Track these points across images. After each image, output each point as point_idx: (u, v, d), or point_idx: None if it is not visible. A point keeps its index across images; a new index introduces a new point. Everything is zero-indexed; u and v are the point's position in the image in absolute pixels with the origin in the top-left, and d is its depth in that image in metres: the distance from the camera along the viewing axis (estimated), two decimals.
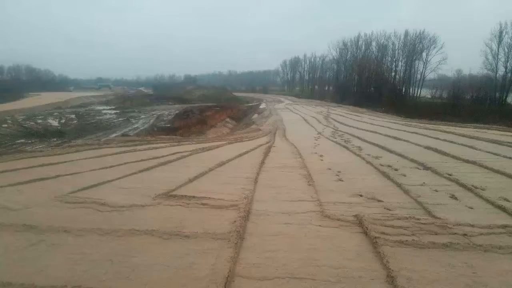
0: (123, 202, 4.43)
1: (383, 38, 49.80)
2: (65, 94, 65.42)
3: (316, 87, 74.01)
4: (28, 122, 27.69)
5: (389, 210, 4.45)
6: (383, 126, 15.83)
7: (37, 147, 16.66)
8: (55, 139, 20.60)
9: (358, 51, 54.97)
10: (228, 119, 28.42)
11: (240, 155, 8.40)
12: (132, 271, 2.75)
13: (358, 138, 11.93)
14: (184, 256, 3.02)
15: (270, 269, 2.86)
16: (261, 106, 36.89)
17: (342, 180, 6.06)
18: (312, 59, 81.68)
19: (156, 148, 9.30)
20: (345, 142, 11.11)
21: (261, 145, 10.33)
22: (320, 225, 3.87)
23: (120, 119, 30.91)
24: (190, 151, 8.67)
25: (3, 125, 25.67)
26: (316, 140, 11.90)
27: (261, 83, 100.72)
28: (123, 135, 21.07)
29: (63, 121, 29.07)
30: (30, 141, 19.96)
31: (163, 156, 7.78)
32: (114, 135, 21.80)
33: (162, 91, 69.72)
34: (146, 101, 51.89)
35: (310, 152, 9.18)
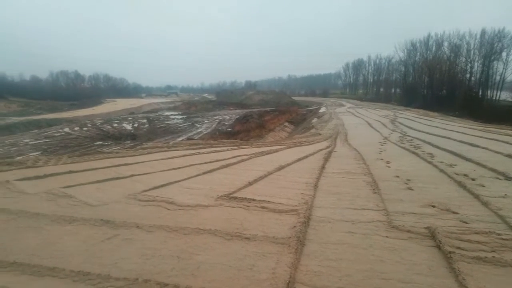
0: (188, 202, 4.63)
1: (456, 37, 45.92)
2: (138, 100, 70.76)
3: (381, 89, 70.70)
4: (105, 126, 30.46)
5: (466, 223, 4.06)
6: (457, 132, 14.53)
7: (113, 148, 18.23)
8: (128, 142, 22.39)
9: (428, 51, 51.41)
10: (286, 123, 28.39)
11: (299, 159, 8.30)
12: (197, 269, 2.85)
13: (429, 144, 11.11)
14: (244, 258, 3.06)
15: (332, 278, 2.76)
16: (321, 110, 36.16)
17: (411, 189, 5.67)
18: (377, 61, 78.37)
19: (218, 151, 9.60)
20: (414, 148, 10.41)
21: (321, 149, 10.13)
22: (387, 236, 3.65)
23: (185, 124, 32.57)
24: (250, 154, 8.80)
25: (84, 128, 28.54)
26: (382, 145, 11.32)
27: (321, 86, 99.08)
28: (188, 138, 22.16)
29: (136, 125, 31.44)
30: (107, 143, 21.95)
31: (224, 159, 8.00)
32: (180, 138, 23.02)
33: (224, 97, 72.01)
34: (209, 107, 53.99)
35: (375, 158, 8.76)
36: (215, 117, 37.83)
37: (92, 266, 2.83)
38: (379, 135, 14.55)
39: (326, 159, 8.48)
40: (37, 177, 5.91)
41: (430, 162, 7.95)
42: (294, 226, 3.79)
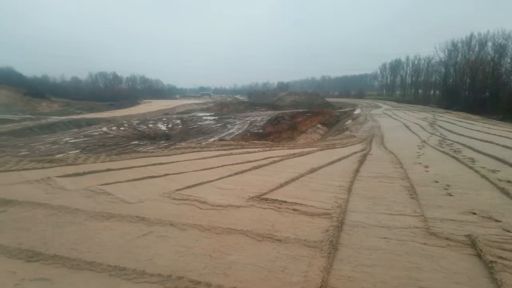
0: (220, 202, 4.67)
1: (501, 37, 43.42)
2: (172, 101, 72.61)
3: (420, 91, 68.25)
4: (141, 126, 31.49)
5: (509, 232, 3.80)
6: (501, 136, 13.69)
7: (148, 148, 18.80)
8: (163, 142, 23.01)
9: (471, 52, 49.00)
10: (319, 125, 28.06)
11: (332, 162, 8.15)
12: (228, 268, 2.86)
13: (471, 148, 10.55)
14: (276, 260, 3.02)
15: (366, 284, 2.67)
16: (355, 112, 35.41)
17: (451, 195, 5.40)
18: (416, 62, 75.70)
19: (249, 152, 9.64)
20: (454, 152, 9.93)
21: (355, 152, 9.90)
22: (424, 243, 3.48)
23: (217, 125, 33.03)
24: (281, 156, 8.76)
25: (121, 128, 29.65)
26: (420, 149, 10.90)
27: (356, 87, 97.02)
28: (220, 139, 22.43)
29: (170, 125, 32.28)
30: (142, 143, 22.67)
31: (256, 160, 8.01)
32: (212, 139, 23.36)
33: (256, 98, 72.42)
34: (241, 108, 54.40)
35: (412, 162, 8.43)
36: (247, 118, 38.07)
37: (128, 262, 2.90)
38: (417, 138, 14.03)
39: (361, 162, 8.28)
40: (77, 174, 6.18)
41: (471, 167, 7.56)
42: (327, 230, 3.71)
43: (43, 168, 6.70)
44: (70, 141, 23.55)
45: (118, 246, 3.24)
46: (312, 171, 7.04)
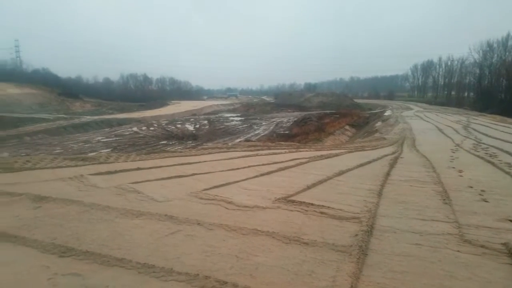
0: (246, 203, 4.67)
1: None
2: (200, 102, 73.75)
3: (453, 93, 65.81)
4: (169, 126, 32.18)
5: None
6: None
7: (176, 148, 19.16)
8: (190, 142, 23.39)
9: (507, 53, 46.74)
10: (347, 127, 27.61)
11: (362, 165, 7.97)
12: (255, 269, 2.84)
13: (507, 153, 10.01)
14: (303, 263, 2.98)
15: None
16: (385, 113, 34.53)
17: (486, 201, 5.14)
18: (449, 63, 73.02)
19: (275, 153, 9.60)
20: (490, 156, 9.46)
21: (385, 155, 9.63)
22: (458, 251, 3.33)
23: (244, 126, 33.20)
24: (308, 158, 8.66)
25: (150, 128, 30.41)
26: (454, 152, 10.46)
27: (386, 88, 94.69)
28: (246, 140, 22.52)
29: (197, 126, 32.79)
30: (171, 143, 23.15)
31: (282, 162, 7.95)
32: (238, 140, 23.50)
33: (282, 99, 72.27)
34: (267, 109, 54.42)
35: (446, 166, 8.10)
36: (273, 119, 38.05)
37: (156, 259, 2.95)
38: (451, 141, 13.49)
39: (392, 165, 8.06)
40: (108, 173, 6.38)
41: (508, 173, 7.18)
42: (356, 235, 3.63)
43: (76, 166, 6.96)
44: (102, 140, 24.41)
45: (147, 243, 3.31)
46: (340, 173, 6.91)
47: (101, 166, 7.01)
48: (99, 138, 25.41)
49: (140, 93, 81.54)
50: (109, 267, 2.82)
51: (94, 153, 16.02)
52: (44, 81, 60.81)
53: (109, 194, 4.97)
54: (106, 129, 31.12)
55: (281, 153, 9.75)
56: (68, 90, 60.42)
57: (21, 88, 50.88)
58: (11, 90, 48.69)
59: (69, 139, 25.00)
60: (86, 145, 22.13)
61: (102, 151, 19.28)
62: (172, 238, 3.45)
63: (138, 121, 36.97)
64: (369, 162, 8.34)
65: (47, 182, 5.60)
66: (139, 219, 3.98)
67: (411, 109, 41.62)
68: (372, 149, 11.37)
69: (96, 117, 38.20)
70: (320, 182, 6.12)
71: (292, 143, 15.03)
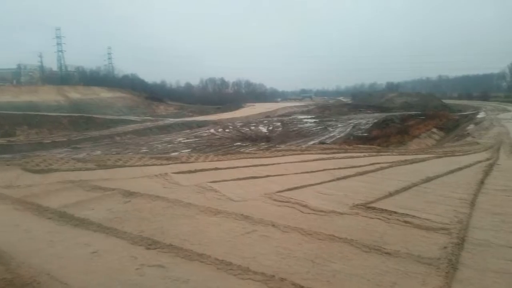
0: (322, 207, 4.54)
1: None
2: (274, 104, 74.68)
3: None
4: (244, 128, 33.14)
5: None
6: None
7: (250, 149, 19.63)
8: (263, 143, 23.78)
9: None
10: (434, 130, 25.50)
11: (452, 171, 7.27)
12: (332, 276, 2.74)
13: None
14: (384, 274, 2.79)
15: None
16: (479, 116, 31.21)
17: None
18: None
19: (353, 157, 9.23)
20: None
21: (479, 161, 8.66)
22: None
23: (318, 128, 32.72)
24: (390, 162, 8.14)
25: (226, 130, 31.67)
26: None
27: (479, 88, 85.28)
28: (320, 142, 22.14)
29: (270, 128, 33.22)
30: (244, 144, 23.83)
31: (361, 166, 7.59)
32: (312, 142, 23.21)
33: (361, 100, 69.69)
34: (343, 110, 52.95)
35: None
36: (350, 121, 36.81)
37: (233, 257, 3.02)
38: None
39: (487, 172, 7.25)
40: (189, 172, 6.74)
41: None
42: (445, 247, 3.33)
43: (161, 164, 7.49)
44: (183, 141, 26.15)
45: (224, 241, 3.41)
46: (427, 180, 6.37)
47: (182, 165, 7.45)
48: (180, 139, 27.25)
49: (217, 96, 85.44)
50: (190, 261, 2.96)
51: (176, 153, 17.21)
52: (132, 85, 67.47)
53: (190, 192, 5.24)
54: (187, 131, 33.27)
55: (359, 156, 9.34)
56: (153, 94, 65.97)
57: (113, 92, 56.89)
58: (104, 94, 54.73)
59: (154, 139, 27.27)
60: (169, 146, 23.90)
61: (183, 151, 20.63)
62: (248, 238, 3.50)
63: (215, 123, 38.81)
64: (460, 169, 7.62)
65: (136, 179, 6.13)
66: (217, 217, 4.12)
67: (509, 111, 37.22)
68: (464, 154, 10.40)
69: (178, 119, 41.12)
70: (404, 189, 5.71)
71: (372, 146, 14.36)
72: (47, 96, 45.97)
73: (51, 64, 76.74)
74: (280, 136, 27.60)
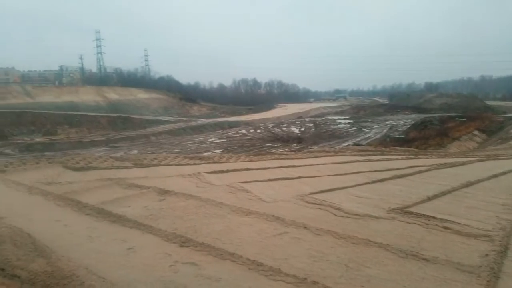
0: (356, 210, 4.43)
1: None
2: (306, 105, 73.98)
3: None
4: (275, 128, 33.09)
5: None
6: None
7: (281, 150, 19.56)
8: (295, 144, 23.61)
9: None
10: (476, 132, 24.23)
11: (495, 175, 6.89)
12: (367, 281, 2.66)
13: None
14: (422, 280, 2.70)
15: None
16: None
17: None
18: None
19: (390, 159, 8.94)
20: None
21: None
22: None
23: (352, 129, 32.03)
24: (429, 165, 7.82)
25: (258, 131, 31.76)
26: None
27: None
28: (354, 144, 21.65)
29: (302, 129, 32.94)
30: (276, 145, 23.77)
31: (397, 169, 7.34)
32: (346, 144, 22.75)
33: (398, 100, 67.52)
34: (379, 111, 51.52)
35: None
36: (386, 122, 35.77)
37: (265, 258, 3.00)
38: None
39: None
40: (222, 171, 6.82)
41: None
42: (487, 255, 3.18)
43: (194, 164, 7.63)
44: (215, 141, 26.52)
45: (256, 241, 3.40)
46: (468, 185, 6.07)
47: (215, 165, 7.54)
48: (213, 139, 27.65)
49: (249, 97, 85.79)
50: (222, 260, 2.98)
51: (209, 153, 17.48)
52: (167, 87, 69.20)
53: (222, 192, 5.30)
54: (219, 131, 33.71)
55: (396, 159, 9.04)
56: (187, 95, 67.38)
57: (149, 93, 58.67)
58: (141, 95, 56.57)
59: (187, 139, 27.88)
60: (201, 146, 24.33)
61: (215, 151, 20.91)
62: (279, 239, 3.48)
63: (247, 123, 39.03)
64: (504, 173, 7.20)
65: (170, 178, 6.27)
66: (248, 217, 4.13)
67: None
68: (508, 158, 9.80)
69: (210, 120, 41.76)
70: (443, 193, 5.46)
71: (409, 148, 13.88)
72: (87, 96, 48.22)
73: (91, 65, 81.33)
74: (312, 137, 27.28)
